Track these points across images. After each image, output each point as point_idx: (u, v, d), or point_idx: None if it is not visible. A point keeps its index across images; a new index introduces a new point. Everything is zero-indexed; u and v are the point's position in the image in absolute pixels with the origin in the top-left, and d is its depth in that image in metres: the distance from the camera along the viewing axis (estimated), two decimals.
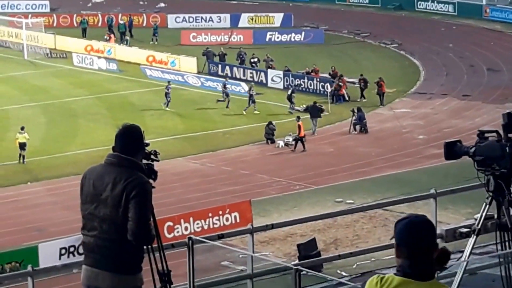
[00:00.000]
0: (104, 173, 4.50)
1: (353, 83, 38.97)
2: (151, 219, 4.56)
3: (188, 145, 31.74)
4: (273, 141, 30.68)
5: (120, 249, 4.71)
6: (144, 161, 4.74)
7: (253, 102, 35.75)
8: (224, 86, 37.05)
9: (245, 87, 37.69)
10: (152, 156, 4.73)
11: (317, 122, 32.91)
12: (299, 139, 30.56)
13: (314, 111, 33.13)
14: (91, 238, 4.48)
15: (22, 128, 30.36)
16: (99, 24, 50.96)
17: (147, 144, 4.74)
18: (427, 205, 8.45)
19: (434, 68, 41.86)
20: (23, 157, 29.62)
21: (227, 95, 36.41)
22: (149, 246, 4.52)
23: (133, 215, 4.30)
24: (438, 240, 7.29)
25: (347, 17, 52.42)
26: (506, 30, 47.49)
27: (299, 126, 30.89)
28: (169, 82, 38.08)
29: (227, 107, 36.17)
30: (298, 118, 31.53)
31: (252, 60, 43.00)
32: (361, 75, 37.66)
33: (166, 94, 36.26)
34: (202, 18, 53.81)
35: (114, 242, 4.55)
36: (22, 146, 29.41)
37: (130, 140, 4.73)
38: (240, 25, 53.78)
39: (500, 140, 5.53)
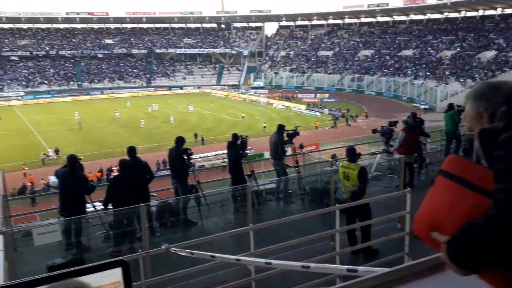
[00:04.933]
0: (273, 135, 11.02)
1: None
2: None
3: None
4: None
5: (277, 151, 10.69)
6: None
7: None
8: None
9: None
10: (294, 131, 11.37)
11: None
12: None
13: None
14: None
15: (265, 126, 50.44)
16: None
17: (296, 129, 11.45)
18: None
19: (372, 109, 61.85)
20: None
21: None
22: None
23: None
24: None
25: None
26: None
27: None
28: None
29: None
30: None
31: None
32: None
33: None
34: None
35: (276, 149, 10.86)
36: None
37: (278, 128, 10.83)
38: None
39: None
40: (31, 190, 31.44)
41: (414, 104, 66.27)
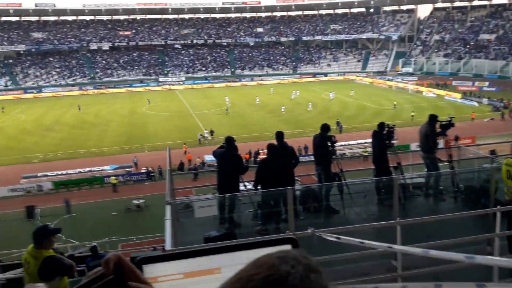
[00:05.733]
0: (423, 125, 9.92)
1: None
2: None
3: None
4: None
5: (427, 143, 9.64)
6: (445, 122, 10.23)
7: None
8: None
9: None
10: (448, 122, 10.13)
11: None
12: None
13: None
14: None
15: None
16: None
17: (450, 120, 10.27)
18: None
19: None
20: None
21: None
22: None
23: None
24: None
25: None
26: None
27: None
28: None
29: None
30: None
31: None
32: None
33: None
34: None
35: (427, 141, 9.95)
36: None
37: (430, 118, 9.85)
38: None
39: None
40: (192, 166, 34.52)
41: None
